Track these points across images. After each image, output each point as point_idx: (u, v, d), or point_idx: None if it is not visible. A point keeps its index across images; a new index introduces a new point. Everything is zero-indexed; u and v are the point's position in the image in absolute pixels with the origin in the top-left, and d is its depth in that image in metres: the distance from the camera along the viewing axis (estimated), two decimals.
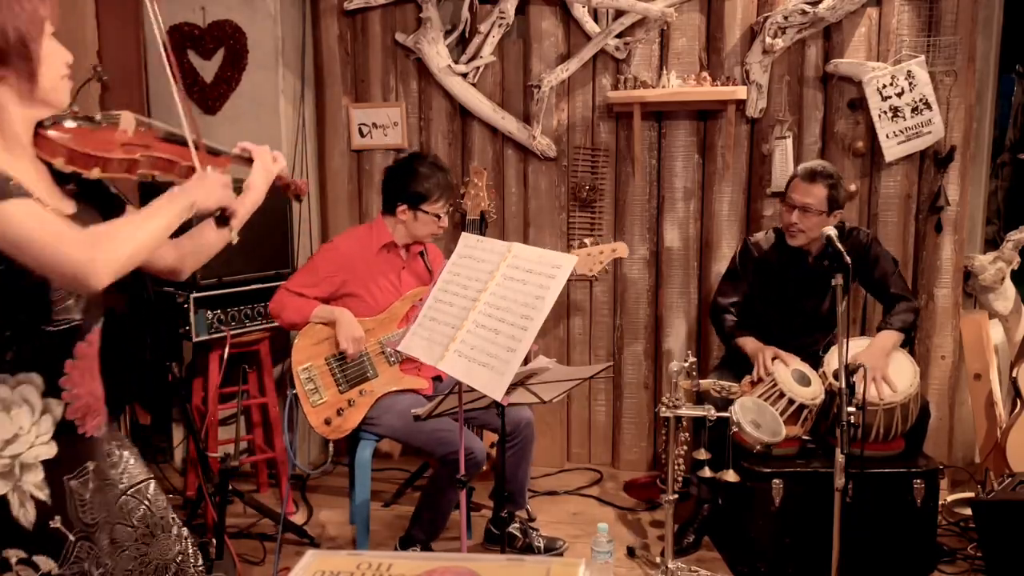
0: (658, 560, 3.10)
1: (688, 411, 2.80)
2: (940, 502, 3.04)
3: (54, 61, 1.45)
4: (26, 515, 1.43)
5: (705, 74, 3.67)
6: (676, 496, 2.85)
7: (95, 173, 1.48)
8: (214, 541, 2.73)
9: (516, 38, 3.94)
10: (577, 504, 3.71)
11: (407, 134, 4.03)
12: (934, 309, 3.70)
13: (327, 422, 2.99)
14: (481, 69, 3.91)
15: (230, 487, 2.78)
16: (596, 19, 3.79)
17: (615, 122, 3.88)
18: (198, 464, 3.13)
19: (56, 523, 1.46)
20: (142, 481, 1.69)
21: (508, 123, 3.90)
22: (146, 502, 1.68)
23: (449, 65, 3.88)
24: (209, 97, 3.95)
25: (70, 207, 1.50)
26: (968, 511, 3.15)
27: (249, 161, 1.70)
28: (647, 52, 3.78)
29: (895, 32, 3.57)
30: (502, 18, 3.82)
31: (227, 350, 3.36)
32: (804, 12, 3.52)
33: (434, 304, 2.19)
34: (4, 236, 1.31)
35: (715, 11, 3.74)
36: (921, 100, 3.52)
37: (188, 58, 3.96)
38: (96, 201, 1.58)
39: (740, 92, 3.62)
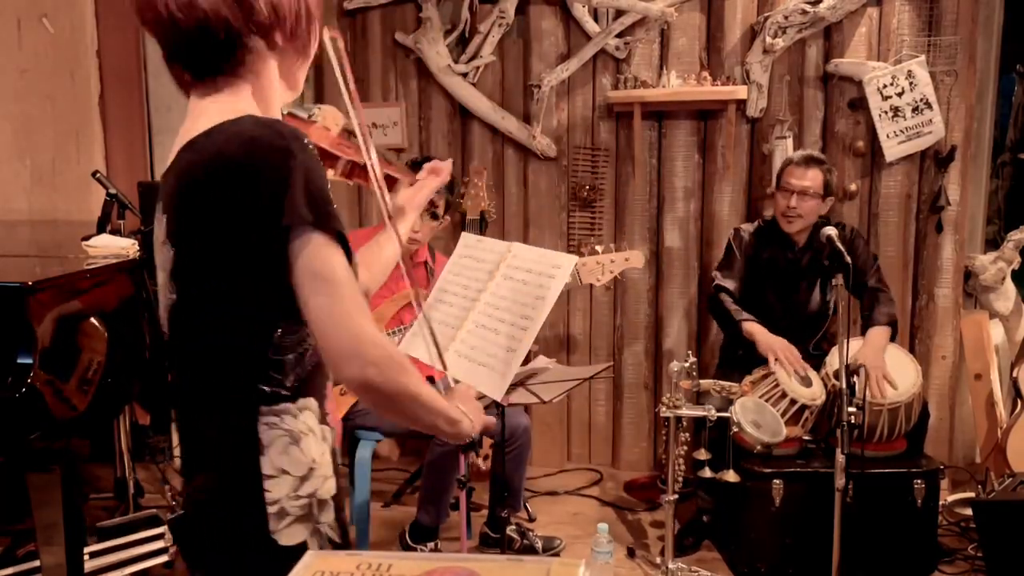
0: (658, 560, 3.10)
1: (688, 411, 2.79)
2: (940, 502, 3.03)
3: (316, 42, 1.32)
4: None
5: (705, 74, 3.67)
6: (676, 496, 2.85)
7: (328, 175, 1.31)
8: None
9: (516, 38, 3.93)
10: (577, 504, 3.70)
11: (407, 134, 4.03)
12: (934, 309, 3.70)
13: None
14: (481, 69, 3.91)
15: None
16: (596, 19, 3.79)
17: (615, 122, 3.87)
18: None
19: None
20: None
21: (508, 123, 3.90)
22: None
23: (449, 65, 3.88)
24: None
25: None
26: (968, 511, 3.14)
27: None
28: (647, 52, 3.78)
29: (895, 32, 3.57)
30: (502, 18, 3.81)
31: None
32: (804, 12, 3.52)
33: (434, 304, 2.19)
34: (312, 265, 1.13)
35: (715, 11, 3.74)
36: (922, 100, 3.52)
37: None
38: None
39: (740, 92, 3.62)
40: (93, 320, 2.38)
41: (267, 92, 1.25)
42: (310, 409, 1.24)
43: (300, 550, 1.16)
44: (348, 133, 1.45)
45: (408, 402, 1.19)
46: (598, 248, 3.20)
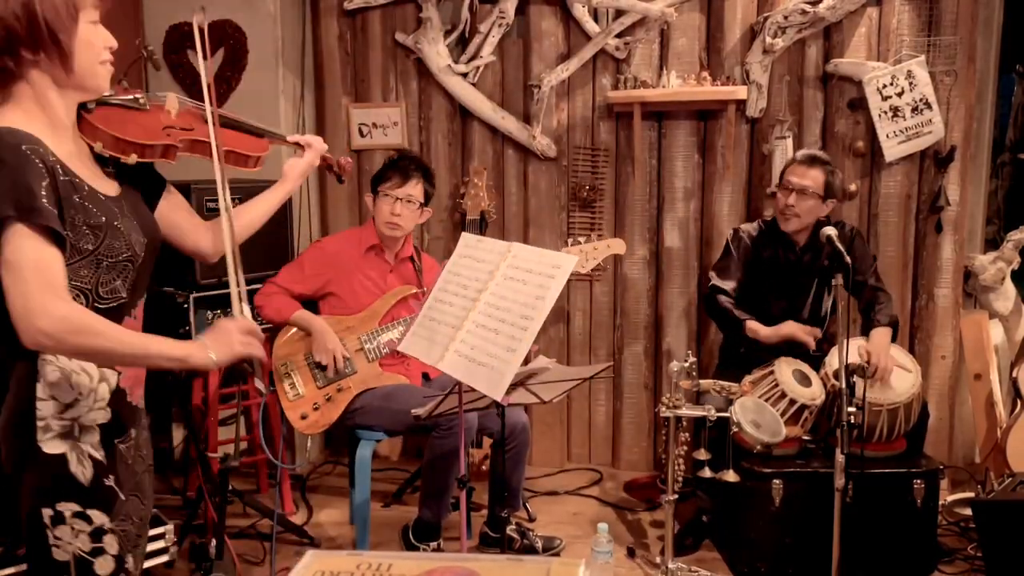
0: (658, 560, 3.10)
1: (688, 411, 2.79)
2: (940, 502, 3.04)
3: (92, 48, 1.49)
4: (83, 472, 1.53)
5: (705, 74, 3.67)
6: (676, 496, 2.85)
7: (132, 159, 1.53)
8: (214, 541, 2.73)
9: (516, 38, 3.94)
10: (577, 504, 3.70)
11: (407, 134, 4.03)
12: (934, 309, 3.70)
13: (303, 417, 3.01)
14: (481, 69, 3.91)
15: (230, 487, 2.78)
16: (596, 19, 3.79)
17: (615, 122, 3.87)
18: (198, 464, 3.13)
19: (110, 481, 1.56)
20: (151, 464, 1.76)
21: (508, 123, 3.90)
22: (151, 486, 1.76)
23: (449, 65, 3.88)
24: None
25: (113, 188, 1.57)
26: (968, 511, 3.15)
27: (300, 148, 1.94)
28: (647, 52, 3.78)
29: (895, 32, 3.57)
30: (502, 18, 3.81)
31: None
32: (804, 12, 3.52)
33: (434, 304, 2.19)
34: (7, 253, 1.38)
35: (715, 11, 3.74)
36: (921, 100, 3.52)
37: (188, 58, 3.96)
38: (138, 182, 1.65)
39: (740, 92, 3.62)
40: None
41: (43, 99, 1.47)
42: None
43: (60, 459, 1.51)
44: (194, 115, 1.64)
45: (95, 356, 1.49)
46: (581, 239, 3.24)
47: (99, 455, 1.55)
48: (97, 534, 1.53)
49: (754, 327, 3.15)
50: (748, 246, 3.29)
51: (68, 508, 1.51)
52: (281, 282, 3.11)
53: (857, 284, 3.22)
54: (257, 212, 1.89)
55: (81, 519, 1.52)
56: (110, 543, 1.55)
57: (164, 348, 1.50)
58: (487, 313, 2.03)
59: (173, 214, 1.75)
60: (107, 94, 1.57)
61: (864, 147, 3.65)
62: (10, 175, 1.37)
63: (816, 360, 3.16)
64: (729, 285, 3.27)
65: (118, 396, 1.59)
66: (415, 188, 3.17)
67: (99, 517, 1.54)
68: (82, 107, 1.54)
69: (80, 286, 1.49)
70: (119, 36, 1.55)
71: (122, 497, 1.58)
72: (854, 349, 2.96)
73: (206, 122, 1.61)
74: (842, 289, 2.79)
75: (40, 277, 1.38)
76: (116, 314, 1.54)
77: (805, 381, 3.04)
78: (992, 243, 4.14)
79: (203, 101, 1.64)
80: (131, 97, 1.60)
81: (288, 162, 1.98)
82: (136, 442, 1.66)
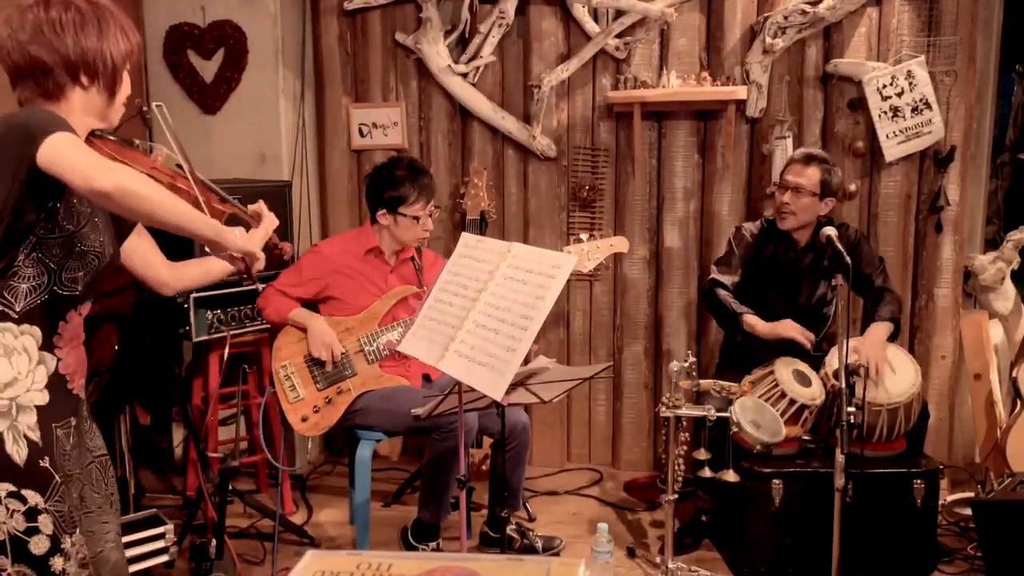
0: (658, 560, 3.10)
1: (688, 411, 2.79)
2: (940, 502, 3.04)
3: (124, 91, 1.75)
4: (19, 452, 1.59)
5: (705, 74, 3.67)
6: (676, 496, 2.85)
7: None
8: (214, 541, 2.74)
9: (516, 38, 3.94)
10: (577, 504, 3.70)
11: (407, 134, 4.03)
12: (934, 309, 3.70)
13: (304, 419, 3.02)
14: (481, 69, 3.91)
15: (230, 487, 2.79)
16: (596, 19, 3.79)
17: (615, 122, 3.87)
18: (198, 464, 3.13)
19: (45, 463, 1.62)
20: (103, 455, 1.84)
21: (508, 123, 3.90)
22: (107, 475, 1.84)
23: (449, 65, 3.88)
24: (209, 97, 3.95)
25: None
26: (968, 511, 3.15)
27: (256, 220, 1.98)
28: (647, 52, 3.78)
29: (895, 32, 3.57)
30: (502, 18, 3.81)
31: (227, 350, 3.36)
32: (804, 12, 3.52)
33: (434, 304, 2.19)
34: (51, 147, 1.48)
35: (715, 11, 3.74)
36: (921, 100, 3.52)
37: (188, 58, 3.96)
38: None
39: (740, 92, 3.62)
40: (108, 326, 2.40)
41: (71, 115, 1.63)
42: (31, 335, 1.62)
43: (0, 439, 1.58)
44: (177, 168, 1.82)
45: (150, 202, 1.53)
46: (583, 237, 3.24)
47: (35, 436, 1.61)
48: (31, 514, 1.59)
49: (751, 321, 3.14)
50: (750, 244, 3.29)
51: (3, 488, 1.57)
52: (279, 285, 3.13)
53: (864, 286, 3.22)
54: (213, 268, 2.03)
55: (15, 499, 1.58)
56: (44, 523, 1.60)
57: (202, 217, 1.65)
58: (487, 313, 2.03)
59: (141, 246, 1.91)
60: (112, 131, 1.76)
61: (864, 147, 3.65)
62: (44, 113, 1.56)
63: (816, 360, 3.16)
64: (729, 280, 3.27)
65: (57, 381, 1.67)
66: (423, 197, 3.18)
67: (33, 497, 1.59)
68: (91, 132, 1.68)
69: (48, 263, 1.61)
70: None
71: (57, 479, 1.63)
72: (853, 348, 2.96)
73: (186, 179, 1.82)
74: (843, 289, 2.79)
75: (89, 148, 1.52)
76: (66, 304, 1.67)
77: (805, 381, 3.04)
78: (992, 243, 4.14)
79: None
80: (129, 139, 1.79)
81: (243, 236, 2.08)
82: (78, 431, 1.73)
